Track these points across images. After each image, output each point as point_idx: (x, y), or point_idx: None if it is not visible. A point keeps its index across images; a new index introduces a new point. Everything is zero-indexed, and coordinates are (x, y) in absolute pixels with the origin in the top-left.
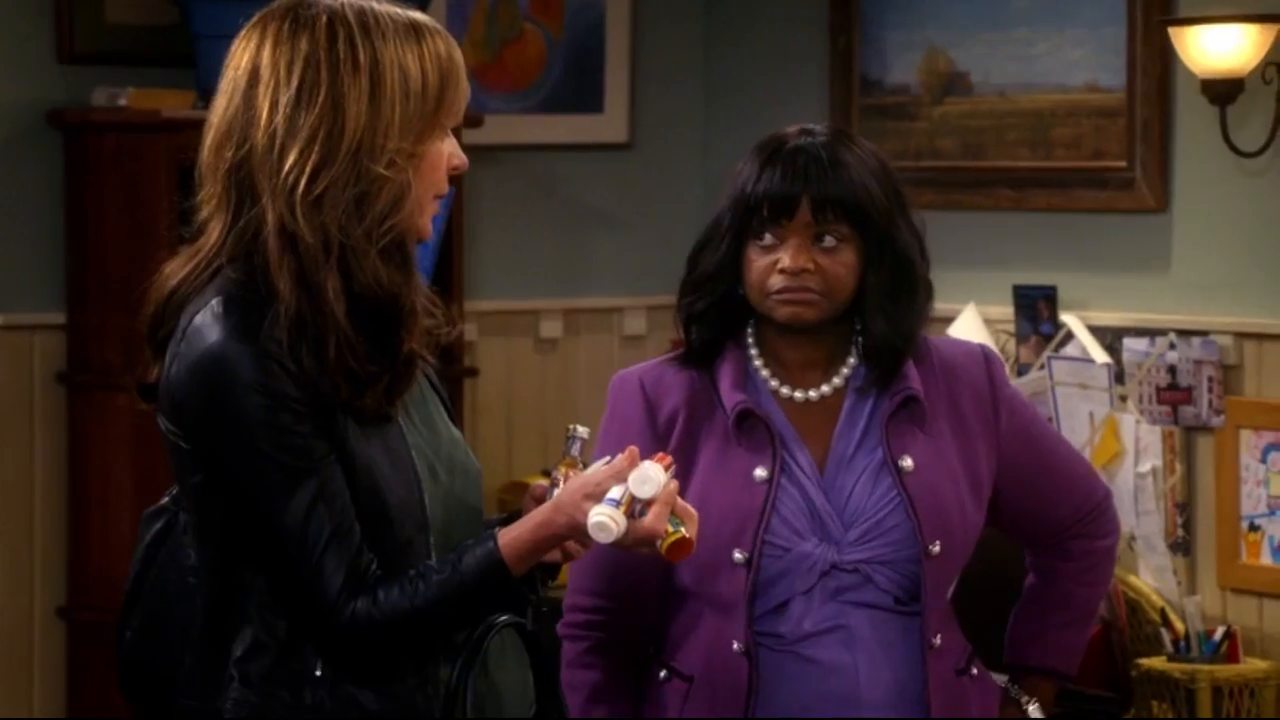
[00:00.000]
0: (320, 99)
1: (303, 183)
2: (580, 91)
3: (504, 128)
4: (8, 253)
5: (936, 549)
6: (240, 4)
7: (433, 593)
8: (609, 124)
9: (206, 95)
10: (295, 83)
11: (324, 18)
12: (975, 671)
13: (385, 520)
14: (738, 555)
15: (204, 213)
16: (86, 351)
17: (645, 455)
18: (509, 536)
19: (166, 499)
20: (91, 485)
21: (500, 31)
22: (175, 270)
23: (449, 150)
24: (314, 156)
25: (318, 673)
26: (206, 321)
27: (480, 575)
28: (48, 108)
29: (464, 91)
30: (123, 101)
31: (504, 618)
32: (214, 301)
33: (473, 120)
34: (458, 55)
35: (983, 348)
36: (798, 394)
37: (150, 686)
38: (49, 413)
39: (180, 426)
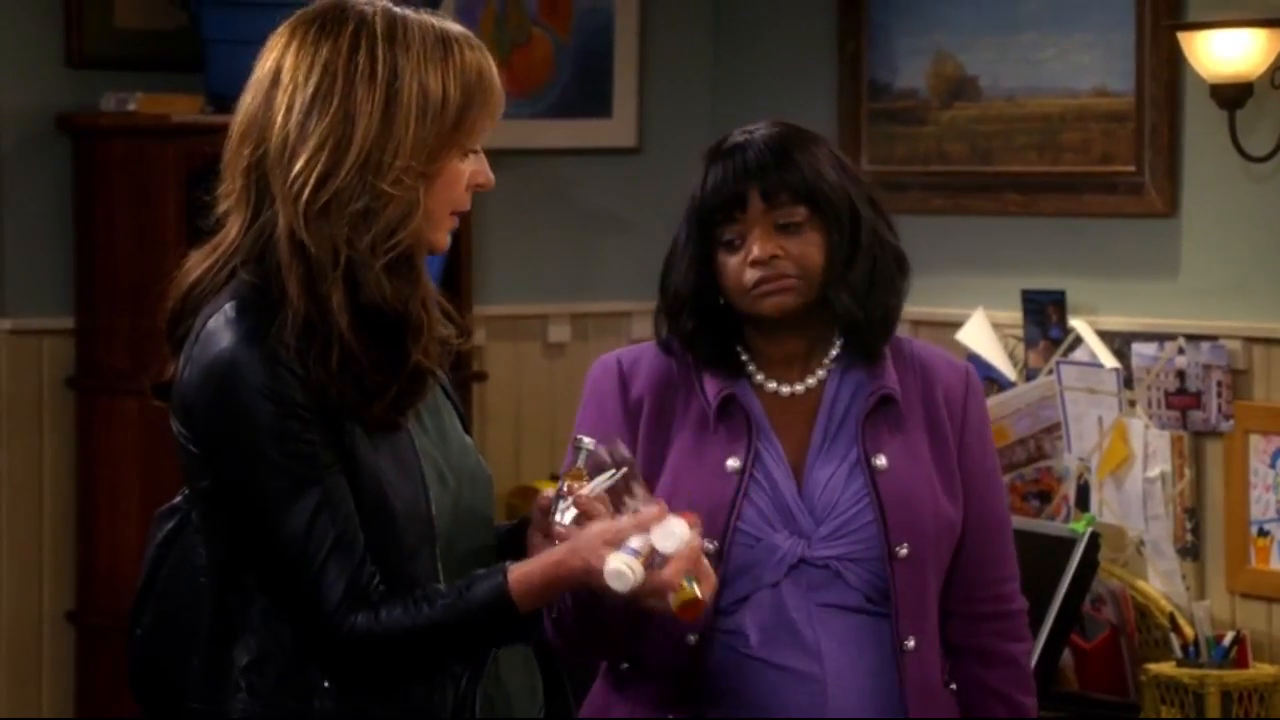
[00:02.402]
0: (332, 108)
1: (308, 191)
2: (588, 96)
3: (512, 132)
4: (17, 257)
5: (904, 552)
6: (249, 9)
7: (436, 615)
8: (617, 128)
9: (215, 100)
10: (310, 89)
11: (351, 25)
12: (954, 686)
13: (391, 528)
14: (708, 545)
15: (223, 206)
16: (95, 356)
17: (618, 435)
18: (520, 573)
19: (180, 498)
20: (100, 489)
21: (509, 36)
22: (195, 265)
23: (472, 168)
24: (320, 165)
25: (325, 683)
26: (219, 325)
27: (486, 607)
28: (57, 112)
29: (492, 109)
30: (131, 106)
31: None
32: (227, 305)
33: None
34: (489, 71)
35: (968, 367)
36: (783, 388)
37: (160, 686)
38: (57, 417)
39: (190, 430)
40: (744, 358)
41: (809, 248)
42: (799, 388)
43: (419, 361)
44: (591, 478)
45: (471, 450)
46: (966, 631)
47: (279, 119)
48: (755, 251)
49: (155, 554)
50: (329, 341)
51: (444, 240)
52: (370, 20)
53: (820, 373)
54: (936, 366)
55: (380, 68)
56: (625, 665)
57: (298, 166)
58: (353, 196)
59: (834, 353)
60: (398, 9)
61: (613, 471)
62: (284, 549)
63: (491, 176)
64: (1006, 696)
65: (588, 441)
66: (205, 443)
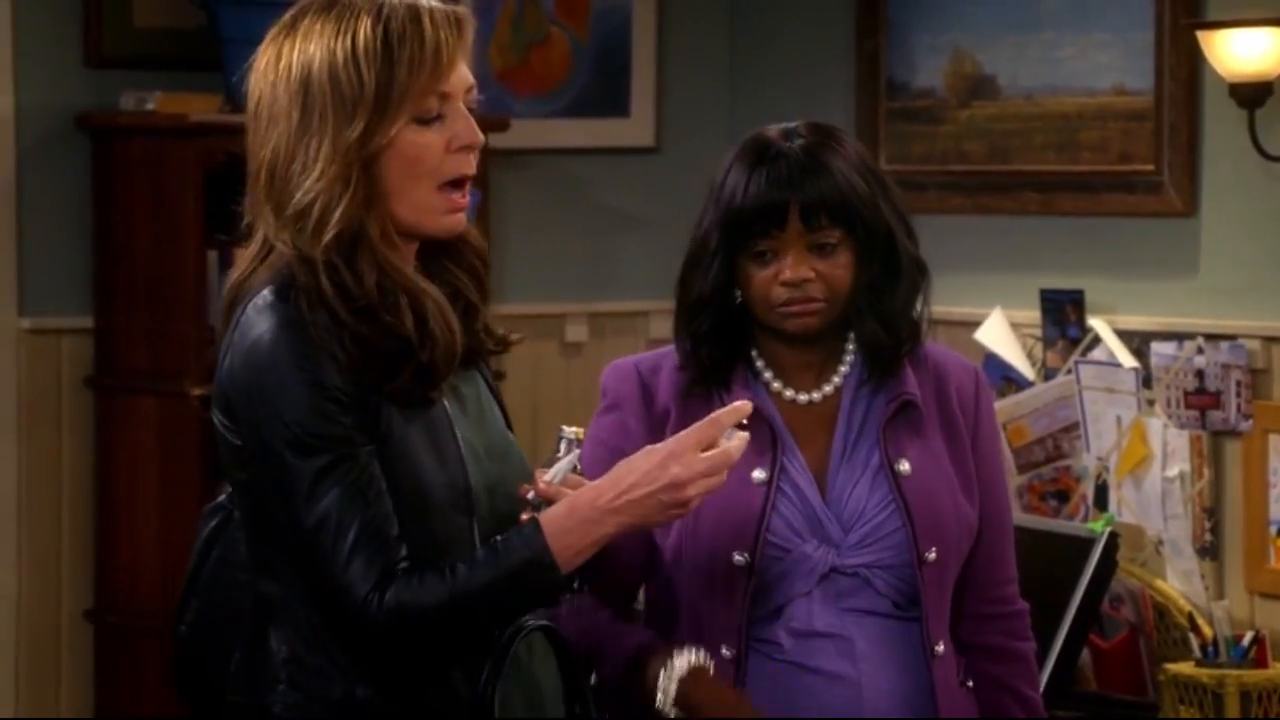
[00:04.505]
0: (266, 119)
1: (261, 198)
2: (606, 95)
3: (530, 132)
4: (35, 256)
5: (933, 556)
6: (267, 8)
7: (472, 576)
8: (635, 127)
9: (234, 99)
10: (254, 101)
11: (284, 30)
12: (971, 684)
13: (425, 503)
14: (738, 558)
15: (247, 219)
16: (114, 355)
17: (641, 442)
18: (550, 515)
19: (224, 495)
20: (119, 489)
21: (526, 35)
22: (238, 264)
23: (450, 133)
24: (263, 173)
25: (366, 670)
26: (257, 311)
27: (521, 551)
28: (76, 112)
29: (429, 70)
30: (150, 105)
31: (533, 621)
32: (265, 291)
33: (499, 124)
34: (413, 34)
35: (977, 368)
36: (800, 396)
37: (203, 682)
38: (76, 416)
39: (231, 419)
40: (759, 364)
41: (840, 270)
42: (815, 395)
43: (409, 335)
44: (578, 469)
45: (514, 445)
46: (975, 630)
47: (246, 134)
48: (788, 273)
49: (200, 550)
50: (340, 323)
51: (435, 221)
52: (298, 17)
53: (836, 380)
54: (948, 368)
55: (293, 68)
56: None
57: (251, 176)
58: (288, 197)
59: (849, 359)
60: None
61: (573, 455)
62: (313, 534)
63: (478, 134)
64: (1019, 693)
65: (570, 431)
66: (244, 429)
